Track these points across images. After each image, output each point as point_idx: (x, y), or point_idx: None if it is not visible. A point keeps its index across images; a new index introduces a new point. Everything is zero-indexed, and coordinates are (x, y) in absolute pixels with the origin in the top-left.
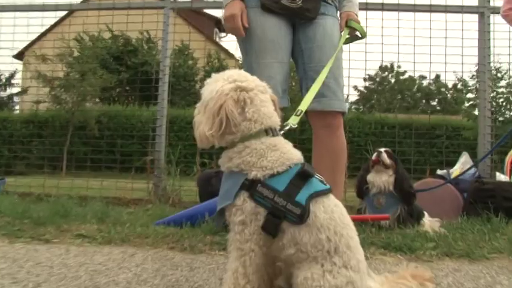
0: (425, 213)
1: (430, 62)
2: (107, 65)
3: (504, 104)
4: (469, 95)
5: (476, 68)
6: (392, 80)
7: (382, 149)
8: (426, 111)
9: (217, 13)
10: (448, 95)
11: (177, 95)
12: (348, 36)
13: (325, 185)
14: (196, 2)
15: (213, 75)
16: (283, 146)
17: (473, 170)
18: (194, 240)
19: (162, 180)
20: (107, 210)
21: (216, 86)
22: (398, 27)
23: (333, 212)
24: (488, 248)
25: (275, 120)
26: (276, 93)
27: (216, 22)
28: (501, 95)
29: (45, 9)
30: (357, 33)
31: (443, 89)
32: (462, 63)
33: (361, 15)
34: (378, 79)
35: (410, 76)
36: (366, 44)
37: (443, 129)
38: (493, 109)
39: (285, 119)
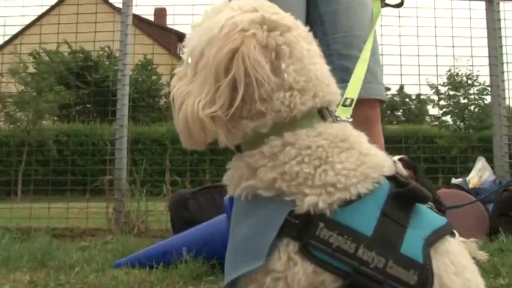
0: (455, 232)
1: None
2: (66, 81)
3: (477, 110)
4: (442, 102)
5: (448, 74)
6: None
7: (397, 157)
8: (392, 122)
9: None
10: (412, 106)
11: (140, 112)
12: None
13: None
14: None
15: (212, 5)
16: (360, 142)
17: (492, 177)
18: None
19: (124, 205)
20: (51, 248)
21: (220, 19)
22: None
23: (464, 271)
24: None
25: (335, 91)
26: None
27: (179, 37)
28: (473, 102)
29: None
30: None
31: (407, 100)
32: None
33: None
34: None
35: None
36: None
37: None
38: (464, 116)
39: None
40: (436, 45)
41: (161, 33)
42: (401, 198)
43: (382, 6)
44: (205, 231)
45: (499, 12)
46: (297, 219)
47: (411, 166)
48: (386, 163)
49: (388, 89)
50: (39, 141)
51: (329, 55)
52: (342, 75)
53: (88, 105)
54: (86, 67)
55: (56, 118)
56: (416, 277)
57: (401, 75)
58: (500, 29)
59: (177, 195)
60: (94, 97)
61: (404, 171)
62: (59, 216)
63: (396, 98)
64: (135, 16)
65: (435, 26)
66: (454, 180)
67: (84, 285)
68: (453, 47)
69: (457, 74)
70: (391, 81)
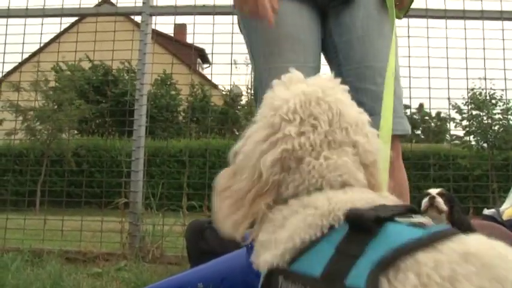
0: None
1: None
2: (86, 95)
3: (501, 131)
4: (465, 122)
5: (471, 93)
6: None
7: (435, 191)
8: (411, 141)
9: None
10: (432, 124)
11: (159, 127)
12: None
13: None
14: (180, 7)
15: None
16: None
17: None
18: None
19: (139, 229)
20: (62, 274)
21: None
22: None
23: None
24: None
25: None
26: None
27: (199, 53)
28: (497, 122)
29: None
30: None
31: (427, 118)
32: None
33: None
34: None
35: None
36: None
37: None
38: (489, 136)
39: None
40: (466, 68)
41: (181, 48)
42: (358, 227)
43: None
44: (223, 265)
45: None
46: (264, 278)
47: (451, 200)
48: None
49: (407, 107)
50: (59, 154)
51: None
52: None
53: (107, 119)
54: (105, 81)
55: (75, 132)
56: None
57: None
58: None
59: (193, 224)
60: (113, 112)
61: (443, 206)
62: (72, 240)
63: (416, 116)
64: (154, 31)
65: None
66: (486, 211)
67: None
68: (484, 69)
69: (480, 94)
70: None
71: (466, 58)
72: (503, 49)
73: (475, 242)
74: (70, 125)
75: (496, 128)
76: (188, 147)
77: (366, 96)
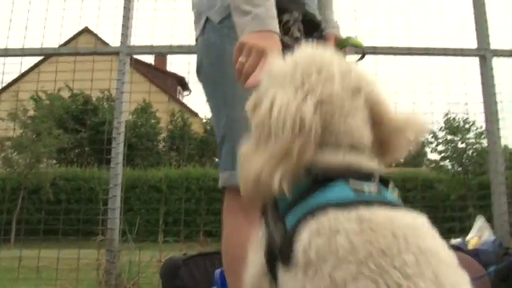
0: None
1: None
2: (65, 125)
3: (474, 154)
4: (440, 147)
5: (445, 118)
6: None
7: None
8: (390, 165)
9: (181, 70)
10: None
11: (138, 156)
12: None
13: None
14: (157, 47)
15: None
16: None
17: (492, 238)
18: None
19: (115, 267)
20: None
21: None
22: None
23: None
24: None
25: None
26: None
27: (179, 81)
28: (471, 146)
29: None
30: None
31: None
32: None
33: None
34: None
35: None
36: None
37: (413, 183)
38: (463, 161)
39: None
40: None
41: (161, 76)
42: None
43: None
44: None
45: (492, 69)
46: None
47: None
48: None
49: None
50: (36, 184)
51: None
52: None
53: (86, 149)
54: (85, 111)
55: (54, 162)
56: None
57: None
58: (494, 85)
59: (168, 262)
60: (92, 141)
61: None
62: (47, 278)
63: None
64: (134, 59)
65: (430, 84)
66: (453, 241)
67: None
68: (448, 103)
69: (454, 119)
70: None
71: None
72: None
73: (380, 213)
74: (48, 155)
75: (470, 152)
76: (168, 176)
77: None
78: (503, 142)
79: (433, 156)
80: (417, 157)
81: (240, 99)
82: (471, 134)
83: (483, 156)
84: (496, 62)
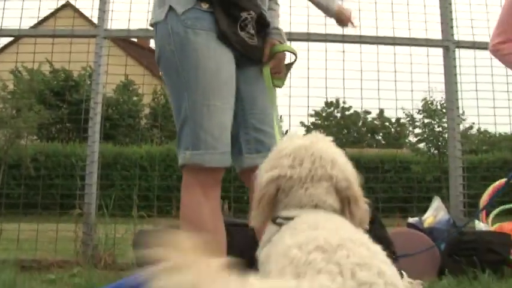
0: (404, 273)
1: (379, 98)
2: (46, 101)
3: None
4: (417, 130)
5: (424, 102)
6: (338, 115)
7: None
8: (372, 145)
9: None
10: (392, 129)
11: (121, 133)
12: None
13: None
14: (133, 31)
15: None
16: None
17: (446, 217)
18: None
19: (92, 238)
20: (16, 282)
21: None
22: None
23: None
24: None
25: None
26: (229, 147)
27: None
28: (447, 130)
29: None
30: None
31: (387, 124)
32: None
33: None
34: (324, 114)
35: (355, 111)
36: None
37: (391, 164)
38: (439, 143)
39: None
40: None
41: (143, 53)
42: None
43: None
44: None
45: (454, 59)
46: None
47: (373, 215)
48: None
49: (368, 112)
50: (17, 160)
51: (245, 127)
52: (258, 147)
53: (68, 125)
54: (66, 87)
55: (35, 137)
56: None
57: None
58: (456, 74)
59: (139, 233)
60: (73, 117)
61: None
62: (27, 248)
63: (376, 122)
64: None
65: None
66: (410, 220)
67: None
68: (411, 91)
69: (432, 103)
70: (371, 105)
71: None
72: None
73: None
74: (29, 130)
75: (446, 135)
76: (149, 153)
77: (265, 135)
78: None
79: (412, 139)
80: (399, 139)
81: (201, 84)
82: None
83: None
84: (459, 53)
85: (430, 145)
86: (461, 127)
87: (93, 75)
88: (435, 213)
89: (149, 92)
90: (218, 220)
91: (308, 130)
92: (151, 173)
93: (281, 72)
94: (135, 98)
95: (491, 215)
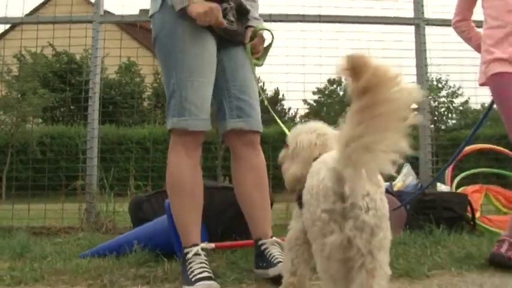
0: None
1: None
2: (50, 84)
3: (446, 113)
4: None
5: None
6: (341, 93)
7: None
8: None
9: None
10: None
11: (124, 114)
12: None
13: None
14: (128, 16)
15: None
16: None
17: (414, 182)
18: (117, 274)
19: (94, 206)
20: (29, 243)
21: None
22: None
23: None
24: (429, 265)
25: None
26: (208, 115)
27: None
28: (442, 105)
29: None
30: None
31: None
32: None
33: (298, 27)
34: (326, 92)
35: None
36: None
37: None
38: (435, 118)
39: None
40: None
41: (145, 34)
42: None
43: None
44: (151, 228)
45: (424, 36)
46: None
47: None
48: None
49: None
50: (23, 143)
51: (229, 96)
52: (238, 113)
53: (72, 107)
54: (70, 70)
55: (40, 120)
56: None
57: None
58: (425, 50)
59: (134, 199)
60: (76, 99)
61: None
62: (37, 217)
63: None
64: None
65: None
66: None
67: (52, 271)
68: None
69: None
70: None
71: None
72: None
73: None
74: (34, 113)
75: (442, 110)
76: (152, 133)
77: (244, 103)
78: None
79: None
80: None
81: (186, 64)
82: (443, 93)
83: (455, 114)
84: (429, 30)
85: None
86: (458, 101)
87: (91, 58)
88: (404, 178)
89: (151, 72)
90: (197, 176)
91: (311, 107)
92: (154, 153)
93: (260, 52)
94: (137, 79)
95: (456, 180)
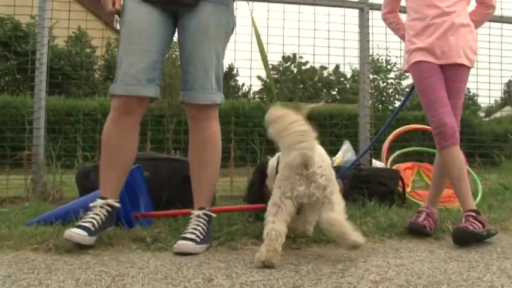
0: None
1: (329, 54)
2: None
3: (393, 94)
4: None
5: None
6: (295, 70)
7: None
8: (327, 101)
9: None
10: (347, 85)
11: (74, 85)
12: None
13: None
14: None
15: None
16: None
17: (353, 158)
18: (62, 239)
19: (41, 176)
20: None
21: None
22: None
23: None
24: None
25: None
26: (137, 81)
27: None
28: (390, 86)
29: None
30: None
31: (342, 79)
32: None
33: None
34: (280, 69)
35: (311, 66)
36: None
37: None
38: (383, 99)
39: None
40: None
41: (98, 5)
42: None
43: None
44: (95, 196)
45: (368, 19)
46: None
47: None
48: None
49: (324, 68)
50: None
51: (182, 69)
52: (184, 86)
53: (18, 76)
54: (15, 37)
55: None
56: None
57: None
58: (368, 34)
59: (81, 169)
60: (23, 69)
61: None
62: None
63: (332, 77)
64: None
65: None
66: None
67: None
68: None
69: (378, 60)
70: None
71: None
72: None
73: None
74: None
75: (390, 91)
76: (102, 105)
77: (188, 75)
78: None
79: None
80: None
81: (124, 35)
82: (392, 75)
83: (402, 94)
84: (372, 14)
85: (375, 100)
86: (405, 83)
87: (37, 27)
88: (343, 155)
89: (103, 44)
90: (125, 139)
91: (264, 84)
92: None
93: None
94: (88, 50)
95: (391, 157)
